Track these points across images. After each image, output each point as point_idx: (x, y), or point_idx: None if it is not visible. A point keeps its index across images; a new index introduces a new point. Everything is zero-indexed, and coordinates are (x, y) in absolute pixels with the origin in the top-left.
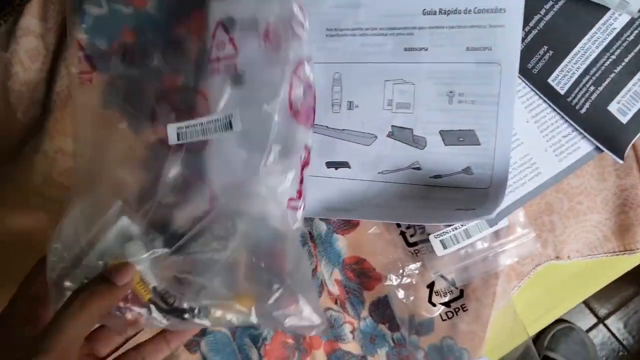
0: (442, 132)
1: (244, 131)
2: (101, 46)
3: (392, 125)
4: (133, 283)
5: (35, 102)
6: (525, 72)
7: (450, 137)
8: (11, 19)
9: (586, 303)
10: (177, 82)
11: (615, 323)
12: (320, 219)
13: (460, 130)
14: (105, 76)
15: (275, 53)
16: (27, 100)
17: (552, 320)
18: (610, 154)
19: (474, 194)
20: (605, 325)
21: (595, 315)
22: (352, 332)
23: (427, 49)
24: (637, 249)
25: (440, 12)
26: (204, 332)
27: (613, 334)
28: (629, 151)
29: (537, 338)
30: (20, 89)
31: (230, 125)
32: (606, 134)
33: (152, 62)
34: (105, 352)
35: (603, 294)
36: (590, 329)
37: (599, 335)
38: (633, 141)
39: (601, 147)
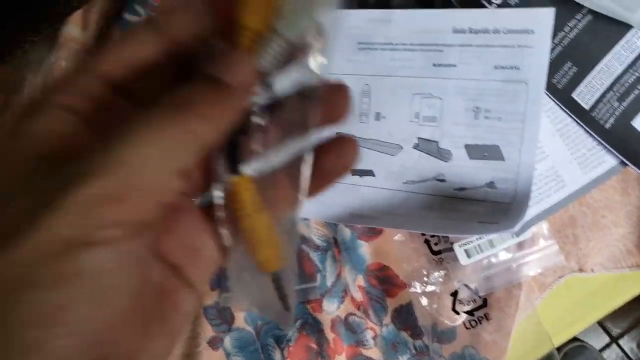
0: (467, 146)
1: None
2: None
3: (418, 137)
4: None
5: None
6: (550, 86)
7: (475, 151)
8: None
9: (600, 322)
10: None
11: (628, 343)
12: (345, 225)
13: (485, 145)
14: None
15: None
16: None
17: (575, 333)
18: (635, 168)
19: (496, 208)
20: (618, 345)
21: (609, 334)
22: (374, 338)
23: (455, 66)
24: None
25: (469, 31)
26: (229, 328)
27: (626, 354)
28: None
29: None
30: None
31: None
32: (630, 148)
33: None
34: None
35: (617, 314)
36: (604, 348)
37: (612, 355)
38: None
39: (626, 161)
